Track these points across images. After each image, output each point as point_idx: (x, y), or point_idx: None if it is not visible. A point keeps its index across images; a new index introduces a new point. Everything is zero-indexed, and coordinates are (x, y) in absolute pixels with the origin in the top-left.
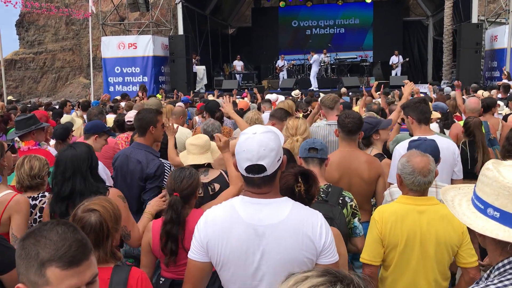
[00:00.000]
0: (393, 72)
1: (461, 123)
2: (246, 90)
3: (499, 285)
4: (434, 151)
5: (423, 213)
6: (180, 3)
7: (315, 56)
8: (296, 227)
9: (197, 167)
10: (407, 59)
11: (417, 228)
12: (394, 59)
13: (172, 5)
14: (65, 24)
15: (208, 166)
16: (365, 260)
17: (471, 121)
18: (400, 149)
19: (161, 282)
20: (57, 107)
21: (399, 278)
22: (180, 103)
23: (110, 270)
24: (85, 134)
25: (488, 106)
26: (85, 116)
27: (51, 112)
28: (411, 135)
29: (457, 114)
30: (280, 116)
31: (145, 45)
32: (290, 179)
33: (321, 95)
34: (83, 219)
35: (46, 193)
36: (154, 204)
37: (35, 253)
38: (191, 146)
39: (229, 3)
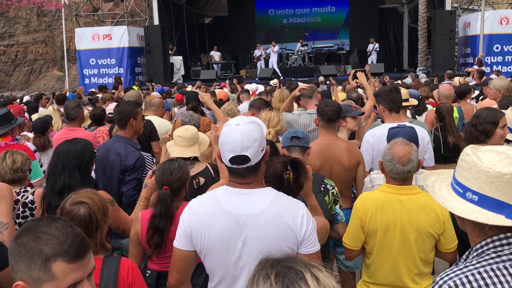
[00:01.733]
0: (369, 60)
1: None
2: (227, 81)
3: (477, 265)
4: (412, 138)
5: (404, 202)
6: None
7: (276, 47)
8: (277, 216)
9: (184, 159)
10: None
11: (398, 216)
12: (370, 47)
13: None
14: (37, 16)
15: (194, 159)
16: (346, 245)
17: (442, 106)
18: (368, 136)
19: (147, 274)
20: (25, 100)
21: (381, 266)
22: (155, 93)
23: (100, 261)
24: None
25: (463, 92)
26: (62, 110)
27: (25, 107)
28: (383, 122)
29: (432, 101)
30: (259, 106)
31: (120, 36)
32: (279, 166)
33: (299, 84)
34: (72, 211)
35: (29, 188)
36: (147, 188)
37: (38, 249)
38: (178, 138)
39: None
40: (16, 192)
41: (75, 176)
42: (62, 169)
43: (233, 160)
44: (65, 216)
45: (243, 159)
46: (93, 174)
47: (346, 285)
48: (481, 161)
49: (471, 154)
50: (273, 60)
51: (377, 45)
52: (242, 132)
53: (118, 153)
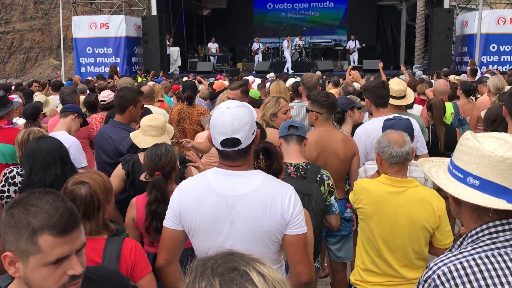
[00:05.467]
0: (351, 57)
1: None
2: (223, 74)
3: (472, 252)
4: (408, 130)
5: (399, 194)
6: None
7: (293, 41)
8: (265, 197)
9: None
10: (364, 44)
11: (392, 209)
12: (351, 44)
13: None
14: (34, 3)
15: None
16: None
17: (432, 100)
18: (359, 131)
19: None
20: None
21: (374, 254)
22: (151, 83)
23: (103, 241)
24: (63, 112)
25: (468, 90)
26: (56, 97)
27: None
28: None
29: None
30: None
31: (118, 26)
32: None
33: (296, 77)
34: (73, 191)
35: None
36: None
37: (26, 221)
38: (149, 128)
39: None
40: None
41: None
42: (48, 165)
43: (224, 142)
44: (66, 196)
45: (234, 141)
46: (85, 162)
47: (337, 275)
48: (482, 145)
49: (471, 138)
50: (287, 54)
51: (357, 42)
52: (233, 115)
53: (111, 137)
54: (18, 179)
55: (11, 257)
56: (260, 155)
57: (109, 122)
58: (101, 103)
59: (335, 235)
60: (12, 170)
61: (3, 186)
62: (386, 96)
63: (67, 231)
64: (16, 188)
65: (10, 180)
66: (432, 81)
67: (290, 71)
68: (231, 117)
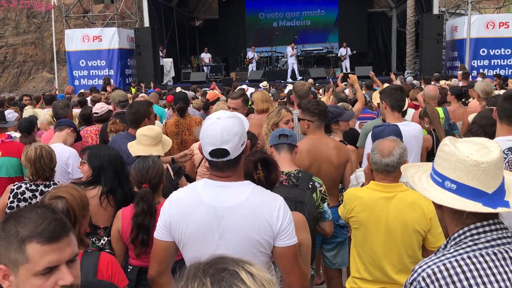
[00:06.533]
0: (342, 64)
1: None
2: (213, 82)
3: (455, 253)
4: (396, 136)
5: (391, 200)
6: None
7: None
8: (253, 209)
9: None
10: (355, 51)
11: (383, 214)
12: (342, 51)
13: None
14: (26, 17)
15: None
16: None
17: (425, 107)
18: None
19: (129, 270)
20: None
21: (366, 261)
22: (143, 95)
23: (80, 255)
24: (58, 126)
25: (459, 94)
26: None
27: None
28: (384, 121)
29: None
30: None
31: (111, 38)
32: (250, 166)
33: (288, 86)
34: (51, 205)
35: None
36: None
37: (15, 231)
38: (142, 137)
39: None
40: (46, 184)
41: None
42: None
43: (213, 153)
44: None
45: (223, 152)
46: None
47: (333, 282)
48: (459, 150)
49: (449, 144)
50: (293, 62)
51: (348, 50)
52: (223, 126)
53: (120, 148)
54: (28, 194)
55: (4, 270)
56: (259, 166)
57: (123, 133)
58: (94, 115)
59: (330, 242)
60: (21, 186)
61: (12, 202)
62: (404, 100)
63: (54, 238)
64: (27, 203)
65: (19, 196)
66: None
67: (299, 78)
68: (220, 128)
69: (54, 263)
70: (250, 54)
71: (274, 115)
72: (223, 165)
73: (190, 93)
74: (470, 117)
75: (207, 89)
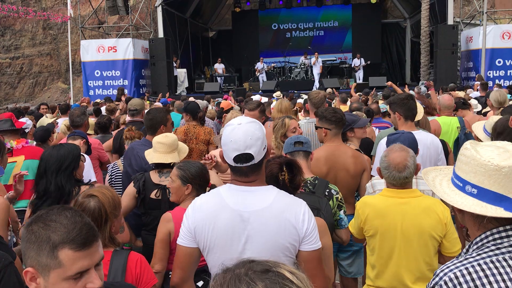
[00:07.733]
0: (356, 75)
1: (440, 119)
2: (230, 93)
3: (477, 257)
4: (412, 144)
5: (405, 205)
6: (160, 6)
7: (319, 59)
8: (279, 213)
9: (162, 166)
10: (369, 62)
11: (398, 220)
12: (356, 62)
13: (152, 8)
14: (42, 29)
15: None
16: (352, 233)
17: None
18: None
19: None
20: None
21: (383, 269)
22: (158, 103)
23: (110, 253)
24: (72, 135)
25: (464, 103)
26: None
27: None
28: (396, 129)
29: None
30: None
31: (125, 48)
32: (275, 167)
33: (303, 95)
34: (83, 204)
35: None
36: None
37: (46, 237)
38: (158, 144)
39: (209, 6)
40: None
41: (54, 180)
42: (44, 173)
43: (237, 158)
44: (76, 207)
45: (247, 157)
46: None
47: None
48: (480, 154)
49: (470, 148)
50: (316, 72)
51: (363, 60)
52: (245, 131)
53: (138, 154)
54: None
55: (32, 273)
56: (284, 168)
57: (141, 140)
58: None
59: (346, 250)
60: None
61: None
62: (416, 108)
63: (86, 245)
64: None
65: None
66: (438, 96)
67: (319, 86)
68: (243, 133)
69: (85, 268)
70: (259, 65)
71: (280, 126)
72: (247, 170)
73: (203, 102)
74: (474, 126)
75: (220, 99)
